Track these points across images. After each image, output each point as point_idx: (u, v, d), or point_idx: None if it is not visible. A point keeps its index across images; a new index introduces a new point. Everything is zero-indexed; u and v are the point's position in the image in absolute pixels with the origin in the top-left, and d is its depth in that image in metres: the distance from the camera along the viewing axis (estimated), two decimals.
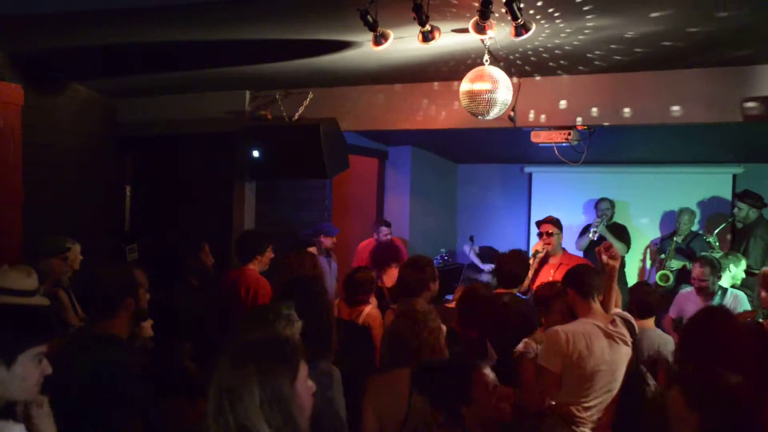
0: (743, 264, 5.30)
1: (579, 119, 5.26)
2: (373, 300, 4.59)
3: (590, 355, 3.28)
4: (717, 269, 4.96)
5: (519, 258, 4.65)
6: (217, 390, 1.75)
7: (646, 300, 4.29)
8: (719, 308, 3.57)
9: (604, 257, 3.62)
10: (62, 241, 4.21)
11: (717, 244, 6.22)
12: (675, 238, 6.68)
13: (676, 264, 6.47)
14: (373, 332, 4.26)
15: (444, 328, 3.24)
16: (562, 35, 4.05)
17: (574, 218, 7.92)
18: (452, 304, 4.63)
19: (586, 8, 3.51)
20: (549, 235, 5.39)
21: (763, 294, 4.01)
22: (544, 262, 5.36)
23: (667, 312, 5.33)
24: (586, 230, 7.17)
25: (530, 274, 5.19)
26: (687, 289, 5.25)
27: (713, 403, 2.18)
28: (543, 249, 5.38)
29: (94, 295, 2.81)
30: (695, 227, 6.96)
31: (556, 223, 5.49)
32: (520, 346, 3.62)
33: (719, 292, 4.95)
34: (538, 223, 5.57)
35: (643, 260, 7.92)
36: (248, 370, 1.75)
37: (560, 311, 3.71)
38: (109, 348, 2.65)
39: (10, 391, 1.98)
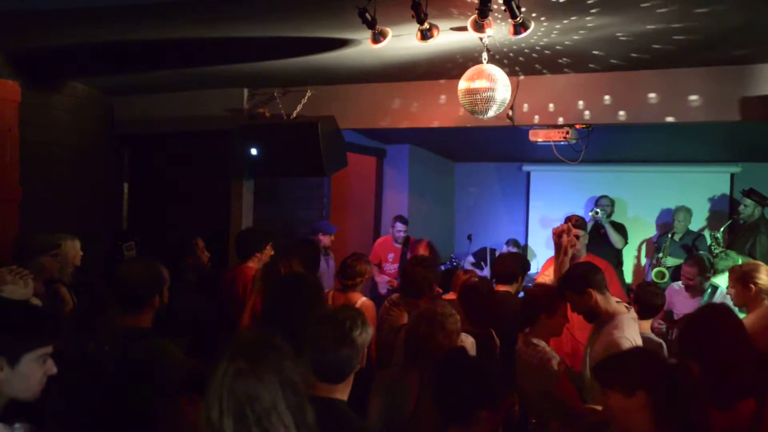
0: (728, 263, 5.34)
1: (577, 118, 5.26)
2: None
3: None
4: (706, 269, 5.04)
5: (513, 257, 4.73)
6: (235, 402, 1.67)
7: (652, 301, 4.25)
8: (720, 305, 3.57)
9: (564, 239, 3.84)
10: (51, 239, 4.14)
11: (722, 240, 6.27)
12: (673, 237, 6.73)
13: (671, 261, 6.53)
14: None
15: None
16: (561, 34, 4.05)
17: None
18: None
19: (586, 7, 3.51)
20: (576, 238, 5.22)
21: (733, 291, 4.02)
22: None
23: None
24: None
25: (553, 274, 5.12)
26: (677, 283, 5.31)
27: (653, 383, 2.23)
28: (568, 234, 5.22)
29: (124, 291, 2.90)
30: (692, 225, 7.00)
31: (581, 225, 5.12)
32: (553, 364, 3.39)
33: (709, 290, 5.00)
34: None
35: (638, 257, 7.95)
36: (268, 372, 1.71)
37: (563, 314, 3.72)
38: (151, 340, 2.79)
39: (13, 390, 2.01)
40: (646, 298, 4.24)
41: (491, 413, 2.38)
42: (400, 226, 7.00)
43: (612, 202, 7.29)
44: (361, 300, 4.37)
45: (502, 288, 4.52)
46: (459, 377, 2.45)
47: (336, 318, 2.38)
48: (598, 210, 7.01)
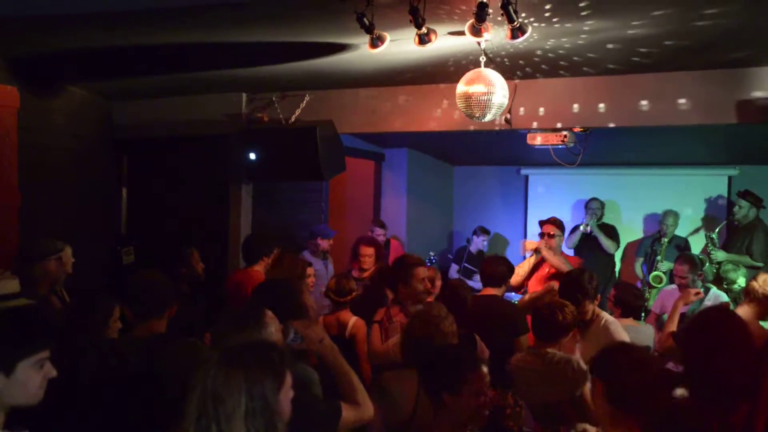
0: (743, 271, 5.35)
1: (575, 121, 5.27)
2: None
3: None
4: (697, 266, 5.04)
5: (500, 260, 4.79)
6: (202, 393, 1.74)
7: (635, 303, 4.42)
8: (722, 307, 3.59)
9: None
10: (54, 242, 4.17)
11: (718, 241, 6.28)
12: (663, 240, 6.75)
13: (667, 265, 6.53)
14: (357, 345, 4.27)
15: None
16: (559, 38, 4.06)
17: (570, 220, 7.95)
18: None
19: (583, 11, 3.52)
20: (550, 236, 5.31)
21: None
22: (540, 262, 5.34)
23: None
24: (575, 231, 7.20)
25: (525, 272, 5.24)
26: (670, 287, 5.31)
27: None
28: (545, 247, 5.33)
29: (147, 298, 2.97)
30: (689, 228, 7.03)
31: (558, 224, 5.42)
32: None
33: (701, 291, 5.01)
34: (541, 223, 5.51)
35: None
36: (237, 378, 1.75)
37: None
38: (179, 341, 2.83)
39: (12, 398, 2.00)
40: (628, 300, 4.39)
41: (475, 374, 2.59)
42: (378, 230, 7.01)
43: (602, 205, 7.29)
44: (353, 320, 4.37)
45: (490, 291, 4.55)
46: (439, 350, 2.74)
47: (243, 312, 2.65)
48: (588, 223, 6.95)
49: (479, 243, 7.73)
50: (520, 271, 5.19)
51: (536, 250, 5.34)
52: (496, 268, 4.60)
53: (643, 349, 2.59)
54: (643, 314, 5.40)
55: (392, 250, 7.02)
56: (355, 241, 6.19)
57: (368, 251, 5.77)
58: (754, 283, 4.11)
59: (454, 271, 7.69)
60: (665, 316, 5.17)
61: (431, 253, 7.53)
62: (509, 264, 4.73)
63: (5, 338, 2.00)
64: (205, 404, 1.73)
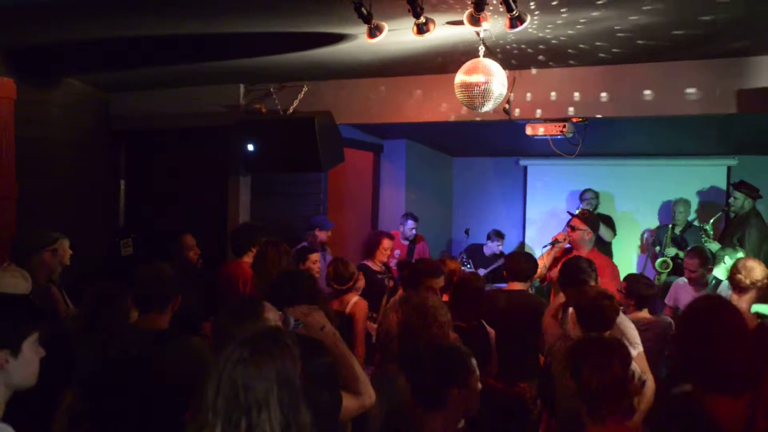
0: (740, 256, 5.33)
1: (573, 111, 5.26)
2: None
3: None
4: (708, 260, 5.04)
5: (525, 256, 4.85)
6: (231, 386, 1.69)
7: (645, 293, 4.38)
8: (715, 296, 3.58)
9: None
10: (49, 234, 4.17)
11: (712, 233, 6.28)
12: (674, 229, 6.77)
13: (671, 252, 6.57)
14: (355, 324, 4.29)
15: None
16: (558, 27, 4.04)
17: (568, 210, 7.95)
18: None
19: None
20: (573, 229, 5.31)
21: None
22: (566, 253, 5.28)
23: (663, 300, 5.41)
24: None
25: (547, 262, 5.30)
26: (683, 279, 5.31)
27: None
28: (564, 240, 5.33)
29: (148, 291, 2.96)
30: (691, 217, 7.05)
31: (585, 219, 5.37)
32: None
33: (713, 283, 5.00)
34: (570, 214, 5.56)
35: (639, 249, 7.96)
36: (267, 365, 1.73)
37: None
38: (181, 339, 2.83)
39: (20, 379, 2.01)
40: (639, 291, 4.36)
41: (461, 390, 2.44)
42: (411, 223, 7.02)
43: (596, 195, 7.34)
44: (354, 299, 4.39)
45: (516, 285, 4.55)
46: (423, 360, 2.53)
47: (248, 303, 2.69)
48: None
49: (494, 247, 7.58)
50: (540, 263, 5.20)
51: (554, 242, 5.34)
52: (522, 264, 4.61)
53: (606, 346, 2.49)
54: None
55: (418, 248, 7.05)
56: (375, 234, 6.37)
57: (389, 244, 6.05)
58: (739, 276, 4.15)
59: None
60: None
61: (463, 256, 7.55)
62: (533, 260, 4.75)
63: (9, 320, 2.02)
64: (236, 398, 1.68)
